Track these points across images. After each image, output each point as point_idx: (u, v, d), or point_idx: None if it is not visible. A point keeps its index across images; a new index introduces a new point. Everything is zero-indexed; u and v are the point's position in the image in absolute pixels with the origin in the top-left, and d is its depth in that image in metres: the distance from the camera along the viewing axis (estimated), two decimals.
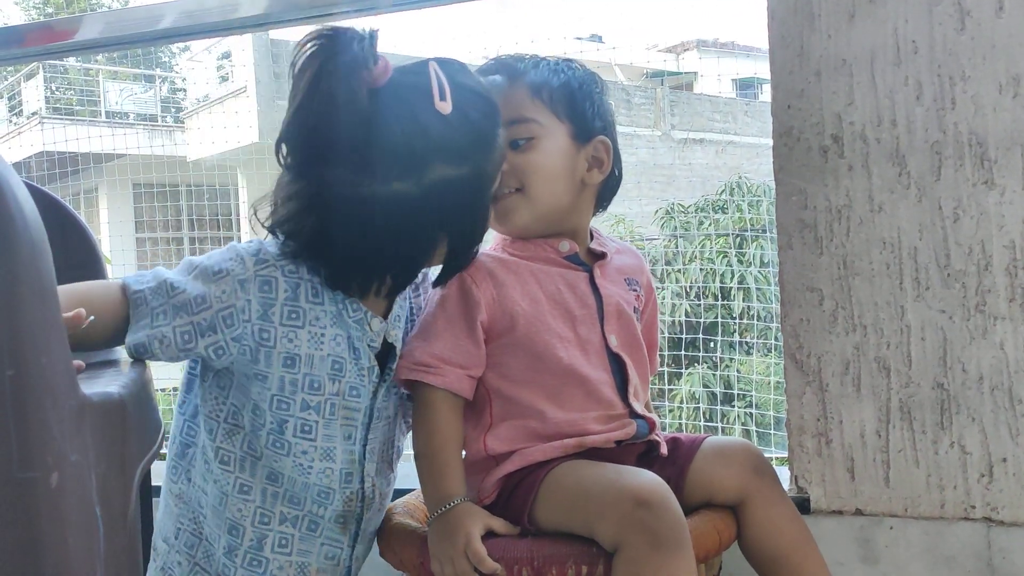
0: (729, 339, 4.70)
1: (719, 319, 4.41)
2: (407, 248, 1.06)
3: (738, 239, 5.03)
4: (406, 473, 1.25)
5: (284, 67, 7.22)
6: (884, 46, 1.29)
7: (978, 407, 1.26)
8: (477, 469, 1.13)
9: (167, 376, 1.18)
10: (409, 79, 1.04)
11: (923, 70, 1.27)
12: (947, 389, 1.27)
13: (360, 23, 1.11)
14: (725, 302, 4.64)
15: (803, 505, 1.32)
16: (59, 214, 1.24)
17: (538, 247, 1.19)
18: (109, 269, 1.30)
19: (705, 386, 4.54)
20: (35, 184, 1.21)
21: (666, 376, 4.23)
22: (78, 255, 1.24)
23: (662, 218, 5.52)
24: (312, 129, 1.01)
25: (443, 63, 1.06)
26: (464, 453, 1.14)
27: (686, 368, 4.57)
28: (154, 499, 1.18)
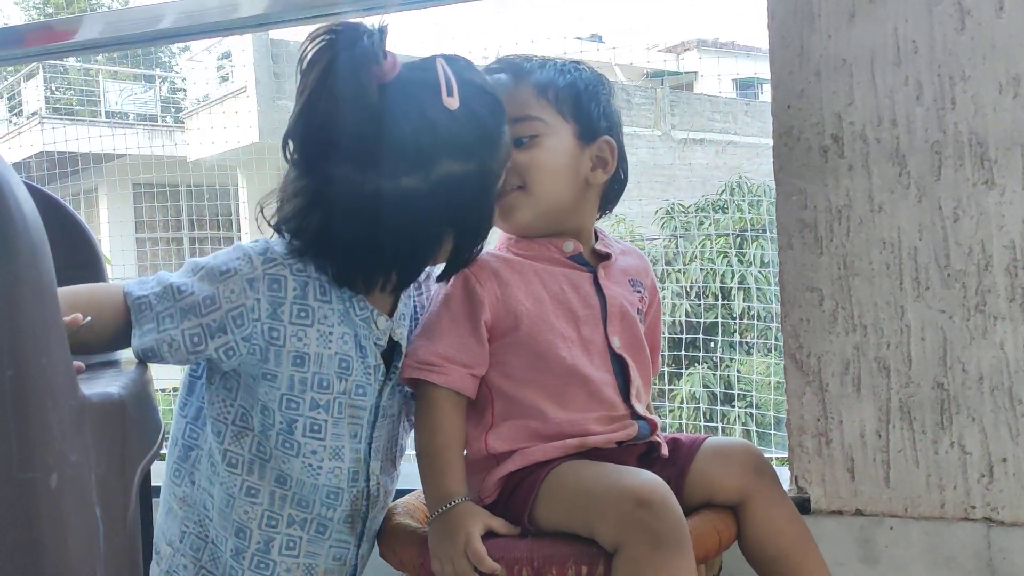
0: (729, 339, 4.70)
1: (719, 319, 4.40)
2: (413, 244, 1.06)
3: (738, 239, 5.03)
4: (406, 473, 1.25)
5: (284, 67, 7.22)
6: (884, 46, 1.29)
7: (978, 407, 1.26)
8: (478, 468, 1.13)
9: (167, 376, 1.18)
10: (417, 75, 1.04)
11: (923, 70, 1.27)
12: (947, 389, 1.27)
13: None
14: (725, 302, 4.63)
15: (803, 505, 1.32)
16: (59, 214, 1.24)
17: (542, 247, 1.19)
18: (109, 269, 1.30)
19: (705, 386, 4.53)
20: (35, 184, 1.21)
21: (666, 376, 4.23)
22: (78, 255, 1.24)
23: (662, 218, 5.51)
24: (320, 125, 1.01)
25: (450, 59, 1.07)
26: (465, 452, 1.14)
27: (686, 368, 4.57)
28: (154, 500, 1.18)
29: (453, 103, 1.02)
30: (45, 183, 5.18)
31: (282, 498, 1.09)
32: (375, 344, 1.12)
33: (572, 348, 1.14)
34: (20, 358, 0.65)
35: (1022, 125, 1.23)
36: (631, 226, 5.39)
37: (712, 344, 4.56)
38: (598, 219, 1.26)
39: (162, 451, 1.04)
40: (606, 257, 1.22)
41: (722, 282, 4.70)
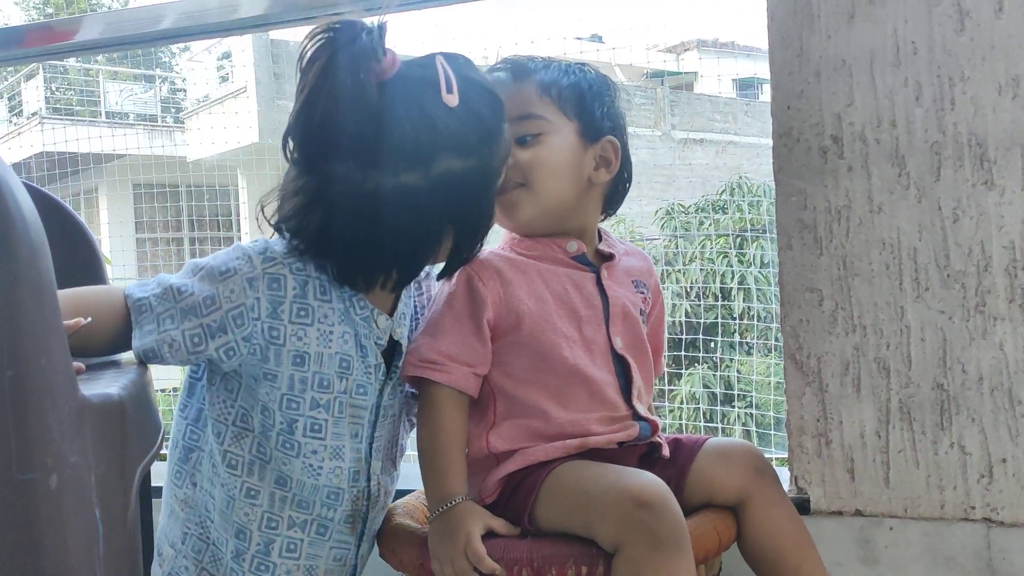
0: (729, 339, 4.70)
1: (719, 319, 4.40)
2: (413, 242, 1.06)
3: (738, 239, 5.03)
4: (406, 473, 1.25)
5: (284, 67, 7.22)
6: (884, 47, 1.29)
7: (978, 408, 1.26)
8: (479, 467, 1.13)
9: (167, 377, 1.18)
10: (416, 72, 1.04)
11: (922, 71, 1.27)
12: (947, 390, 1.27)
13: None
14: (725, 302, 4.63)
15: (803, 506, 1.32)
16: (59, 215, 1.24)
17: (546, 247, 1.19)
18: (109, 270, 1.30)
19: (705, 386, 4.53)
20: (35, 185, 1.21)
21: (666, 376, 4.23)
22: (78, 256, 1.24)
23: (662, 218, 5.51)
24: (320, 121, 1.01)
25: (449, 57, 1.07)
26: (467, 450, 1.14)
27: (686, 368, 4.57)
28: (154, 500, 1.18)
29: (453, 100, 1.02)
30: (45, 183, 5.18)
31: (282, 500, 1.09)
32: (375, 343, 1.12)
33: (574, 348, 1.14)
34: (20, 358, 0.65)
35: (1021, 126, 1.23)
36: (631, 226, 5.39)
37: (712, 344, 4.56)
38: (602, 220, 1.26)
39: (162, 452, 1.04)
40: (609, 258, 1.22)
41: (722, 282, 4.70)
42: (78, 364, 0.85)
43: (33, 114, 9.73)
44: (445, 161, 1.03)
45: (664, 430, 1.20)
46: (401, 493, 1.28)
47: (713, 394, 4.54)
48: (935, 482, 1.28)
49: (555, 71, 1.19)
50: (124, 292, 1.03)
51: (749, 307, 4.51)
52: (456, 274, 1.15)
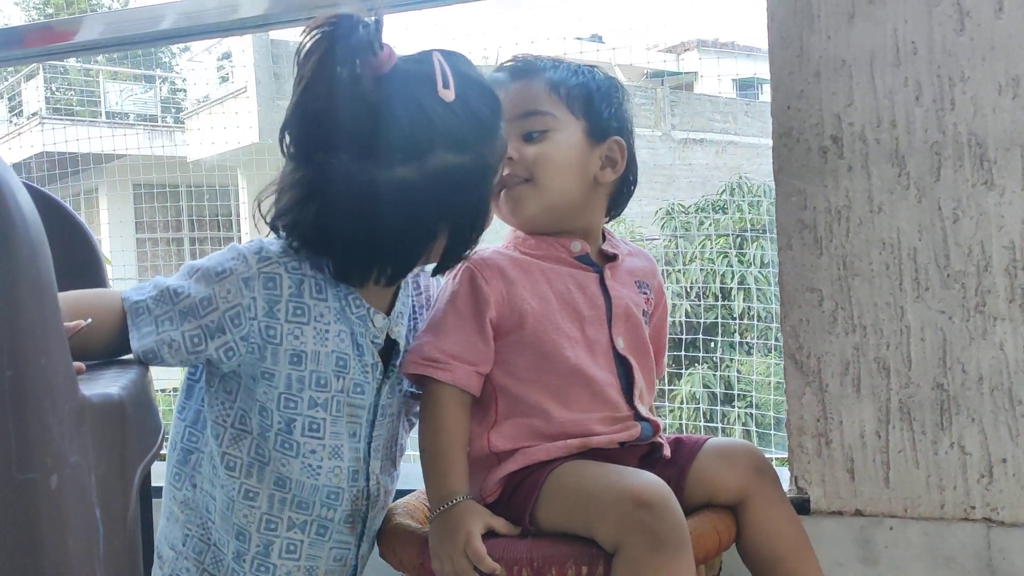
0: (729, 339, 4.70)
1: (719, 319, 4.40)
2: (407, 236, 1.06)
3: (738, 239, 5.03)
4: (405, 473, 1.25)
5: (284, 68, 7.22)
6: (883, 47, 1.29)
7: (978, 408, 1.26)
8: (480, 466, 1.13)
9: (167, 377, 1.18)
10: (413, 67, 1.04)
11: (922, 71, 1.27)
12: (947, 390, 1.27)
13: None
14: (725, 302, 4.64)
15: (803, 506, 1.32)
16: (59, 215, 1.24)
17: (550, 246, 1.19)
18: (109, 270, 1.30)
19: (705, 386, 4.54)
20: (35, 185, 1.21)
21: (666, 376, 4.23)
22: (78, 257, 1.24)
23: (662, 218, 5.52)
24: (315, 114, 1.01)
25: (447, 54, 1.07)
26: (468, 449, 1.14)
27: (686, 368, 4.57)
28: (154, 500, 1.18)
29: (449, 95, 1.03)
30: (45, 184, 5.18)
31: (281, 501, 1.09)
32: (372, 342, 1.12)
33: (576, 348, 1.14)
34: (19, 358, 0.65)
35: (1021, 126, 1.23)
36: (631, 226, 5.39)
37: (712, 344, 4.56)
38: (606, 222, 1.26)
39: (161, 453, 1.04)
40: (613, 258, 1.22)
41: (722, 282, 4.70)
42: (78, 364, 0.85)
43: (33, 114, 9.74)
44: (440, 155, 1.03)
45: (664, 430, 1.20)
46: (401, 493, 1.28)
47: (713, 394, 4.54)
48: (935, 482, 1.28)
49: (564, 70, 1.19)
50: (121, 296, 1.03)
51: (749, 307, 4.51)
52: (459, 272, 1.15)
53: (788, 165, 1.33)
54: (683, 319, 4.31)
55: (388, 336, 1.14)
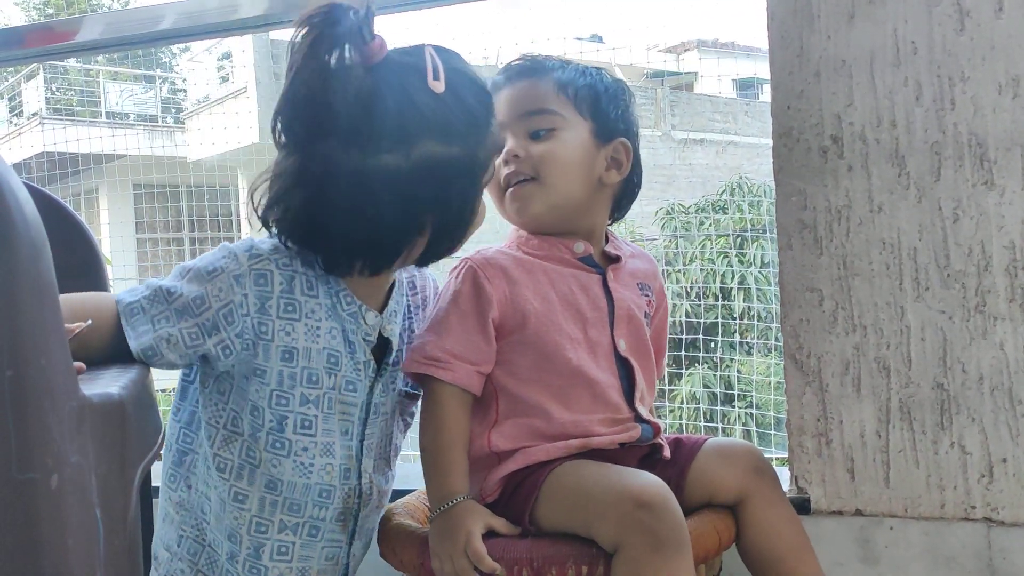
0: (729, 339, 4.71)
1: (719, 319, 4.41)
2: (392, 224, 1.05)
3: (738, 239, 5.03)
4: (405, 473, 1.25)
5: (284, 68, 7.22)
6: (883, 47, 1.29)
7: (978, 407, 1.26)
8: (480, 466, 1.13)
9: (168, 377, 1.18)
10: (404, 58, 1.05)
11: (922, 71, 1.27)
12: (947, 389, 1.27)
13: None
14: (725, 302, 4.64)
15: (803, 505, 1.32)
16: (60, 216, 1.24)
17: (553, 247, 1.19)
18: (109, 270, 1.30)
19: (706, 386, 4.54)
20: (35, 185, 1.21)
21: (667, 376, 4.24)
22: (79, 257, 1.24)
23: (663, 218, 5.52)
24: (305, 101, 1.02)
25: (439, 49, 1.07)
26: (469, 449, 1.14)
27: (687, 368, 4.57)
28: (154, 500, 1.18)
29: (439, 86, 1.03)
30: (45, 184, 5.18)
31: (272, 504, 1.09)
32: (364, 339, 1.12)
33: (578, 349, 1.14)
34: (19, 358, 0.65)
35: (1021, 126, 1.23)
36: (631, 226, 5.40)
37: (712, 344, 4.56)
38: (610, 224, 1.26)
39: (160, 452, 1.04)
40: (616, 259, 1.22)
41: (722, 282, 4.71)
42: (78, 364, 0.85)
43: (33, 114, 9.74)
44: (427, 144, 1.03)
45: (664, 431, 1.20)
46: (401, 493, 1.28)
47: (713, 394, 4.54)
48: (935, 482, 1.28)
49: (572, 71, 1.20)
50: (115, 298, 1.03)
51: (749, 307, 4.52)
52: (462, 271, 1.15)
53: (788, 165, 1.33)
54: (683, 319, 4.31)
55: (381, 334, 1.14)
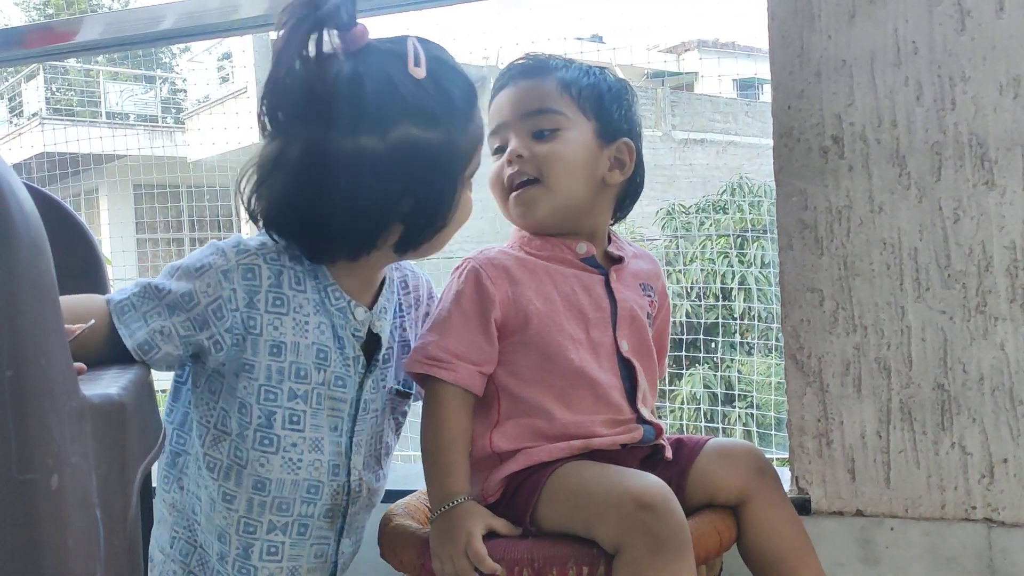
0: (730, 339, 4.71)
1: (720, 319, 4.41)
2: (368, 208, 1.04)
3: (739, 239, 5.03)
4: (405, 473, 1.25)
5: None
6: (884, 47, 1.29)
7: (979, 408, 1.26)
8: (482, 466, 1.13)
9: (168, 377, 1.18)
10: (386, 46, 1.06)
11: (923, 71, 1.27)
12: (948, 390, 1.27)
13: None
14: (726, 302, 4.64)
15: (804, 506, 1.32)
16: (60, 216, 1.24)
17: (555, 247, 1.19)
18: (110, 270, 1.30)
19: (706, 386, 4.54)
20: (35, 186, 1.21)
21: (667, 376, 4.24)
22: (79, 257, 1.24)
23: (663, 218, 5.52)
24: (286, 85, 1.02)
25: (424, 40, 1.08)
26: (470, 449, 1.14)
27: (687, 368, 4.57)
28: (155, 501, 1.18)
29: (419, 72, 1.03)
30: (46, 184, 5.18)
31: (260, 505, 1.09)
32: (353, 335, 1.11)
33: (580, 350, 1.14)
34: (19, 358, 0.65)
35: (1022, 126, 1.23)
36: (632, 226, 5.40)
37: (713, 344, 4.56)
38: (612, 224, 1.26)
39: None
40: (618, 260, 1.22)
41: (723, 282, 4.71)
42: (79, 364, 0.85)
43: (33, 115, 9.75)
44: (405, 127, 1.03)
45: (665, 431, 1.20)
46: (401, 493, 1.28)
47: (714, 394, 4.54)
48: (936, 482, 1.28)
49: (576, 70, 1.20)
50: (105, 299, 1.03)
51: (750, 307, 4.52)
52: (465, 272, 1.15)
53: (789, 165, 1.33)
54: (684, 319, 4.31)
55: (371, 331, 1.14)
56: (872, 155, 1.29)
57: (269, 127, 1.06)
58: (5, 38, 1.94)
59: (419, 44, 1.05)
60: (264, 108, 1.06)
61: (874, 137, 1.29)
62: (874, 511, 1.31)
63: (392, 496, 1.26)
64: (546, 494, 1.07)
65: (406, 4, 1.66)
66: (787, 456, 1.36)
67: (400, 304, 1.21)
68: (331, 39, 1.02)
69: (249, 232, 1.14)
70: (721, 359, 4.56)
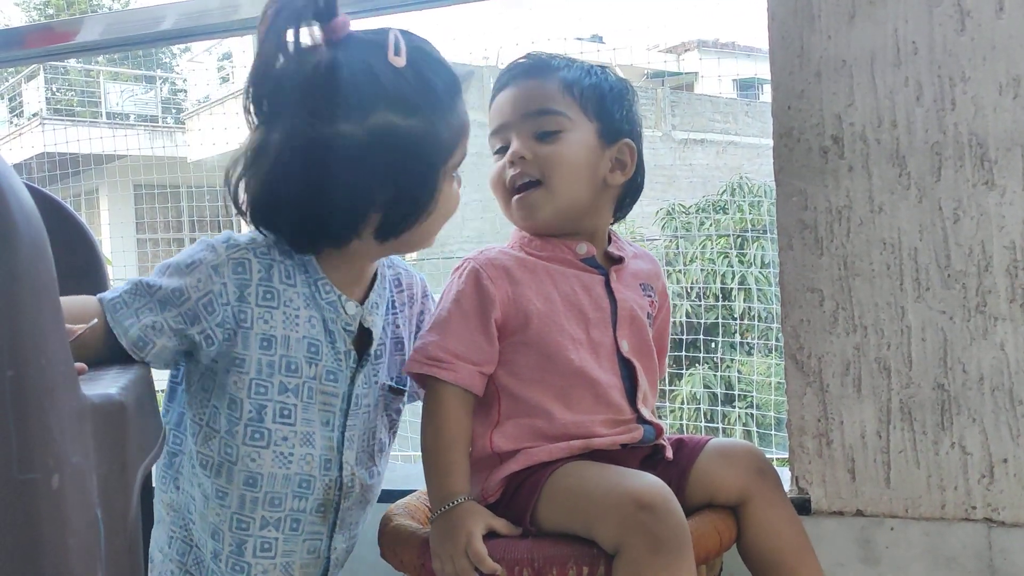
0: (730, 340, 4.71)
1: (720, 320, 4.41)
2: (345, 195, 1.04)
3: (739, 239, 5.04)
4: (406, 474, 1.25)
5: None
6: (884, 47, 1.29)
7: (979, 408, 1.26)
8: (482, 466, 1.13)
9: (167, 377, 1.18)
10: (367, 36, 1.06)
11: (923, 71, 1.27)
12: (947, 390, 1.27)
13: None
14: (726, 303, 4.64)
15: (804, 506, 1.32)
16: (60, 216, 1.24)
17: (556, 247, 1.19)
18: (110, 271, 1.30)
19: (706, 386, 4.54)
20: (35, 186, 1.21)
21: (667, 376, 4.24)
22: (79, 257, 1.24)
23: (663, 218, 5.52)
24: (268, 74, 1.03)
25: (407, 32, 1.08)
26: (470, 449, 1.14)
27: (687, 368, 4.58)
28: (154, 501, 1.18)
29: (399, 61, 1.04)
30: (46, 184, 5.18)
31: (252, 500, 1.09)
32: (344, 329, 1.12)
33: (580, 350, 1.14)
34: (20, 358, 0.65)
35: (1022, 126, 1.23)
36: (632, 226, 5.40)
37: (713, 344, 4.56)
38: (612, 224, 1.26)
39: None
40: (619, 260, 1.22)
41: (723, 282, 4.71)
42: (79, 364, 0.85)
43: (34, 115, 9.75)
44: (383, 114, 1.03)
45: (666, 431, 1.20)
46: (401, 493, 1.28)
47: (714, 394, 4.54)
48: (936, 482, 1.28)
49: (578, 70, 1.20)
50: (98, 298, 1.04)
51: (750, 307, 4.52)
52: (465, 272, 1.15)
53: (789, 165, 1.33)
54: (684, 319, 4.31)
55: (362, 325, 1.14)
56: (872, 155, 1.29)
57: (255, 118, 1.07)
58: (5, 38, 1.94)
59: (400, 35, 1.06)
60: (249, 98, 1.06)
61: (874, 137, 1.29)
62: (874, 511, 1.31)
63: (392, 496, 1.26)
64: (546, 494, 1.07)
65: (406, 4, 1.66)
66: (787, 456, 1.36)
67: (393, 301, 1.22)
68: (312, 29, 1.04)
69: (243, 230, 1.14)
70: (721, 359, 4.56)
